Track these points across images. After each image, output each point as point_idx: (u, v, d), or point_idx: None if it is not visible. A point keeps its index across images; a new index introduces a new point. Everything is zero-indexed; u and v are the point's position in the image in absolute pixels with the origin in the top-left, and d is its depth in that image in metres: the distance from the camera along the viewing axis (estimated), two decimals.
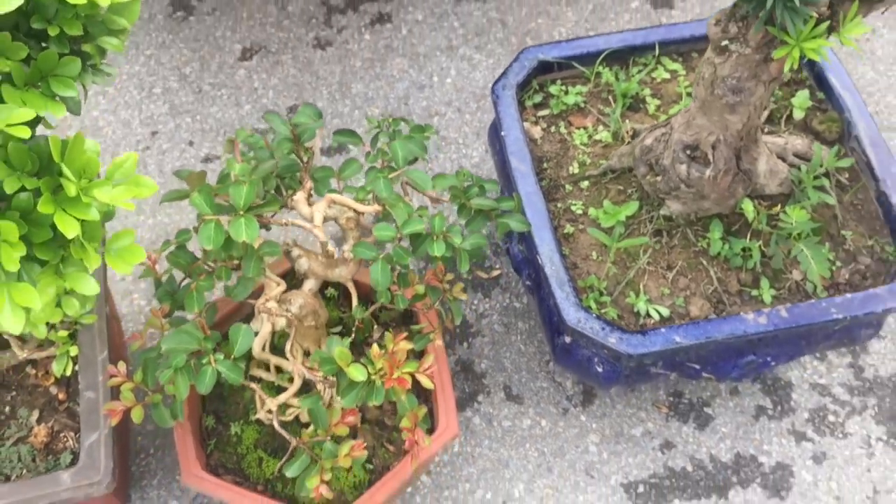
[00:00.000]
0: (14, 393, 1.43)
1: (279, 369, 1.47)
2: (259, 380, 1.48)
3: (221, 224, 1.12)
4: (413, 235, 1.26)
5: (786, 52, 1.17)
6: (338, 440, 1.24)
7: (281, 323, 1.30)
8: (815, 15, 1.12)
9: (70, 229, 0.85)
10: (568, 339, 1.56)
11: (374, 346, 1.18)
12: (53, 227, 0.89)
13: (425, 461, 1.41)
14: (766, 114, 1.72)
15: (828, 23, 1.15)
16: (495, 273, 1.96)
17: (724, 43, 1.25)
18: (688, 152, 1.46)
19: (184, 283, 1.33)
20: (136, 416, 1.25)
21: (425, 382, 1.18)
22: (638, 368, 1.54)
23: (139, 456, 1.71)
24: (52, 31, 0.87)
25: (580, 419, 1.81)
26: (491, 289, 1.94)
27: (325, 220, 1.28)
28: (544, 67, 1.76)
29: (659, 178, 1.52)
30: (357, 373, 1.17)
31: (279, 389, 1.46)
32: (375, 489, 1.38)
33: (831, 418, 1.82)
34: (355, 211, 1.29)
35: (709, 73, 1.32)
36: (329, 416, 1.22)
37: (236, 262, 1.23)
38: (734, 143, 1.42)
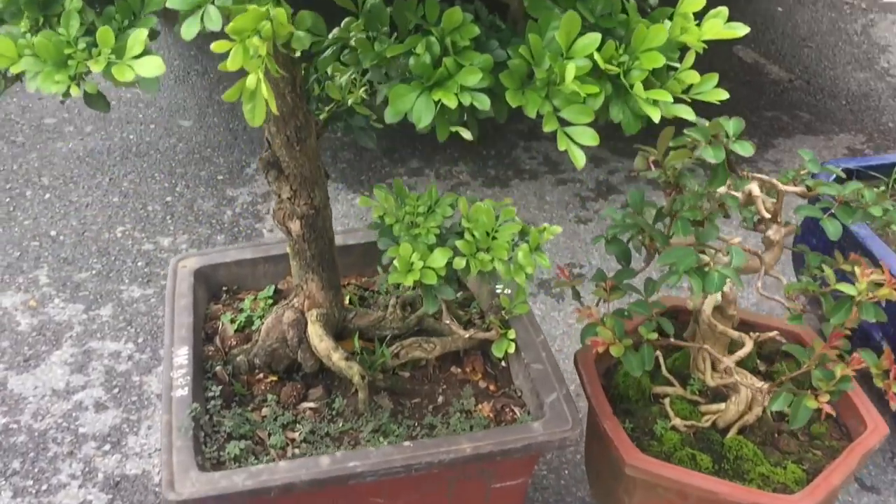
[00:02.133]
0: (444, 386, 1.43)
1: (684, 384, 1.49)
2: (665, 396, 1.48)
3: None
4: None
5: None
6: (828, 364, 1.23)
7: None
8: None
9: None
10: None
11: (856, 268, 1.24)
12: None
13: (864, 455, 1.36)
14: None
15: None
16: None
17: None
18: None
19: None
20: (616, 351, 1.27)
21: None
22: None
23: None
24: None
25: None
26: None
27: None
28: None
29: None
30: (847, 288, 1.22)
31: (691, 402, 1.47)
32: (829, 471, 1.32)
33: None
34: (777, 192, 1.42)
35: None
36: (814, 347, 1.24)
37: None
38: None
